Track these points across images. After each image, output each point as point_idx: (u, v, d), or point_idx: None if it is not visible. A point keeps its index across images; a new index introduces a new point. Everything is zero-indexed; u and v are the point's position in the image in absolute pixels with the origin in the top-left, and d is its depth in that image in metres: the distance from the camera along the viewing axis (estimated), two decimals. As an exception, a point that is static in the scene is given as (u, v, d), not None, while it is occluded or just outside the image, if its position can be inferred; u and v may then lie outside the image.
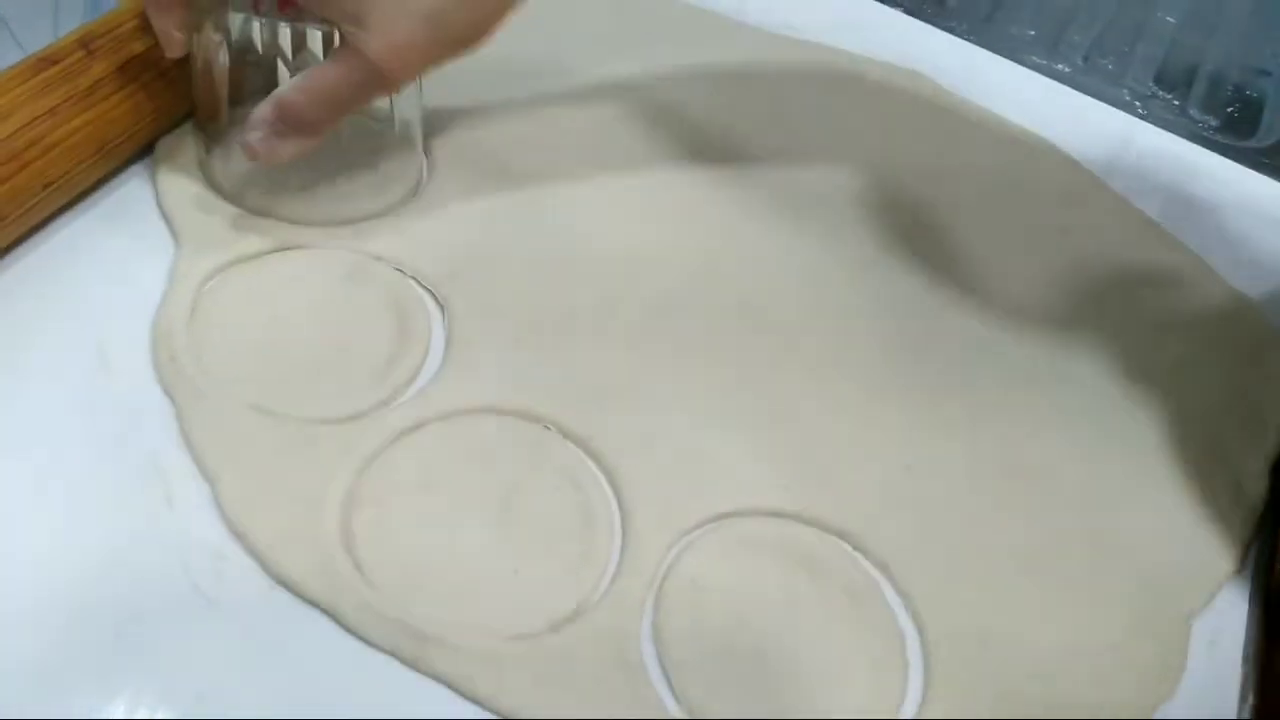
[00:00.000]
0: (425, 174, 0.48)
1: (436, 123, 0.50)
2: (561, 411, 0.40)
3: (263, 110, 0.40)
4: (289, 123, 0.41)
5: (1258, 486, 0.43)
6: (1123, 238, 0.53)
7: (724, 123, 0.54)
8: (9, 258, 0.41)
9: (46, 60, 0.42)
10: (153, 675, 0.32)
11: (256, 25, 0.43)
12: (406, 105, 0.46)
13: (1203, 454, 0.44)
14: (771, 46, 0.60)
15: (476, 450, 0.38)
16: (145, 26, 0.44)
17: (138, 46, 0.43)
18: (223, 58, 0.43)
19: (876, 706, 0.35)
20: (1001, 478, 0.42)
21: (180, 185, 0.44)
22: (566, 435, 0.39)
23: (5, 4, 0.49)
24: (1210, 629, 0.39)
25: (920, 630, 0.37)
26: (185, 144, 0.46)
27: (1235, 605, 0.40)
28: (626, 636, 0.34)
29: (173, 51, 0.42)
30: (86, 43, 0.43)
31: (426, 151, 0.49)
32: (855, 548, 0.38)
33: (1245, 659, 0.39)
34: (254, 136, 0.41)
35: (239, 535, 0.34)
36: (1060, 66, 0.64)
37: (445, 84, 0.52)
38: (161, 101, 0.45)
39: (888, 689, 0.35)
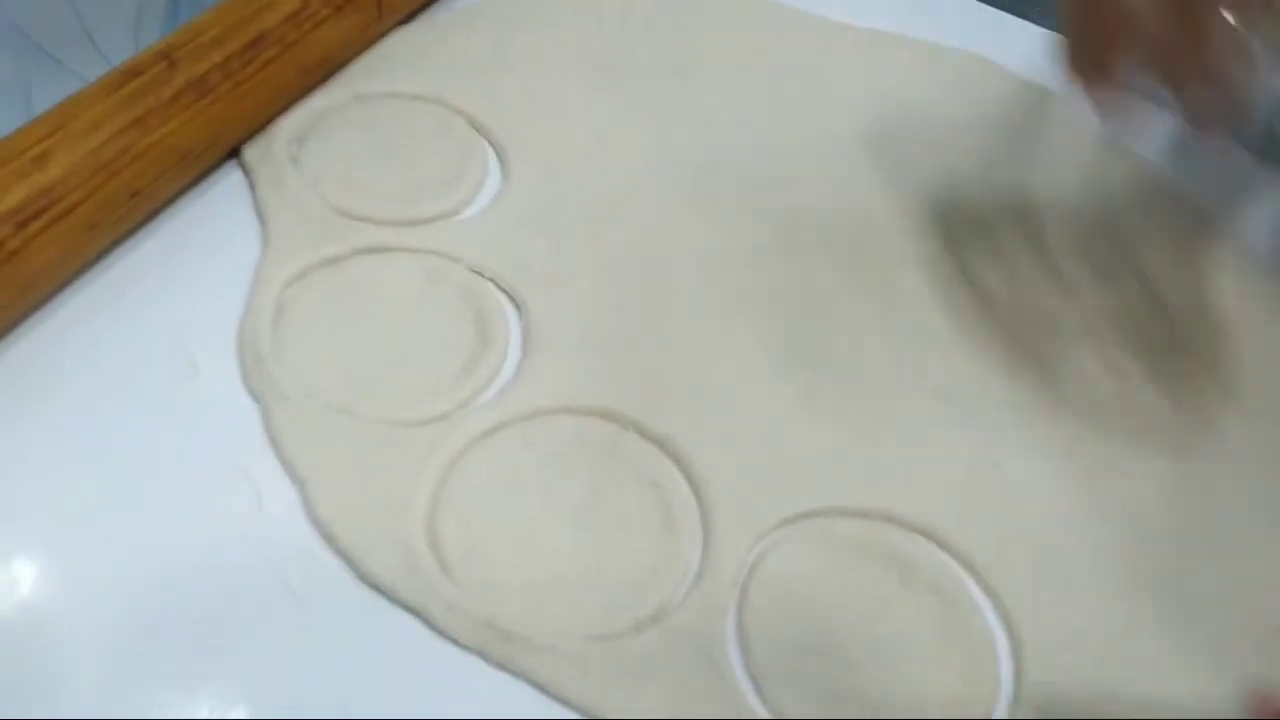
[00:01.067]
0: (503, 174, 0.48)
1: (510, 119, 0.50)
2: (640, 412, 0.39)
3: None
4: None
5: None
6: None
7: (807, 107, 0.54)
8: (98, 267, 0.42)
9: (130, 72, 0.42)
10: (242, 675, 0.32)
11: None
12: None
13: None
14: (840, 39, 0.59)
15: (556, 451, 0.38)
16: (223, 36, 0.45)
17: (217, 56, 0.44)
18: None
19: (966, 708, 0.34)
20: (1094, 477, 0.41)
21: (277, 188, 0.45)
22: (645, 435, 0.39)
23: (89, 18, 0.50)
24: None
25: (1010, 630, 0.36)
26: (273, 149, 0.47)
27: None
28: (711, 637, 0.34)
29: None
30: (168, 54, 0.43)
31: (501, 148, 0.49)
32: (942, 546, 0.38)
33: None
34: None
35: (327, 537, 0.35)
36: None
37: (520, 80, 0.52)
38: (242, 110, 0.45)
39: (978, 690, 0.35)
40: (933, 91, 0.56)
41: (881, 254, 0.48)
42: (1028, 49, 0.56)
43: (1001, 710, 0.35)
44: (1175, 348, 0.44)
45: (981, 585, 0.37)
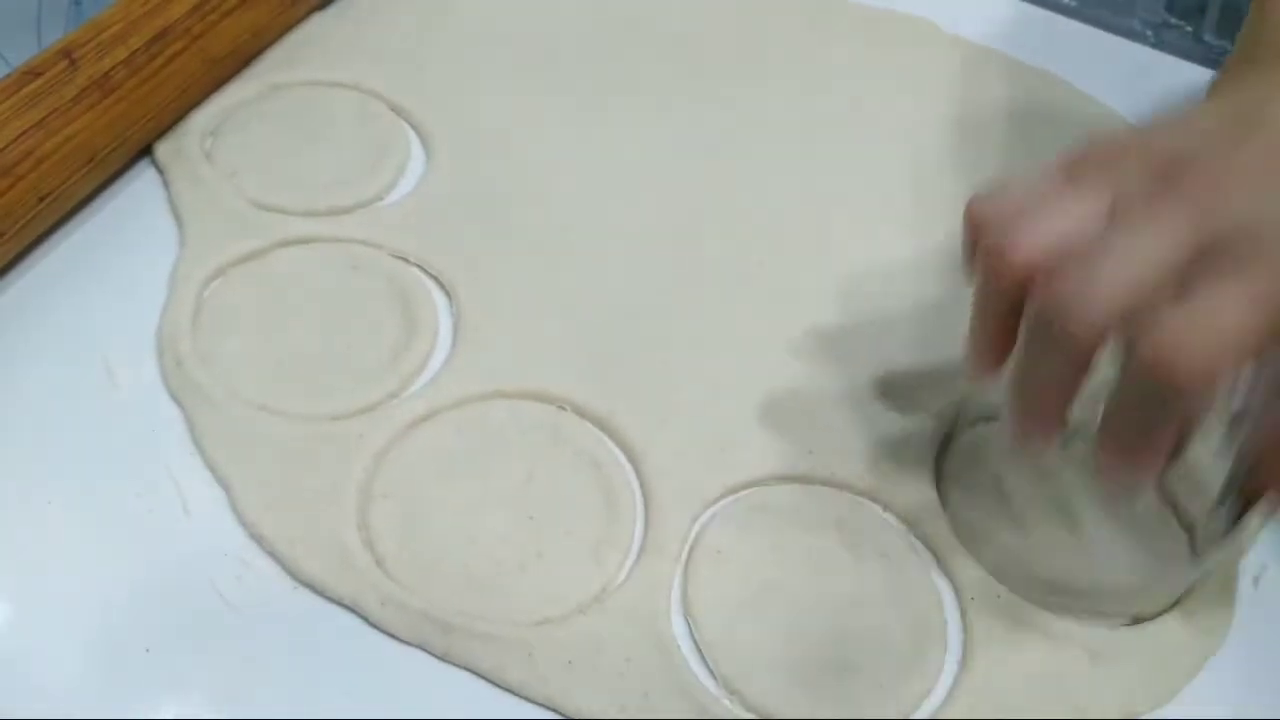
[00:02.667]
0: (428, 158, 0.47)
1: (433, 104, 0.49)
2: (575, 390, 0.39)
3: None
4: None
5: None
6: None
7: (733, 80, 0.53)
8: (9, 275, 0.40)
9: (30, 73, 0.41)
10: (182, 686, 0.31)
11: None
12: None
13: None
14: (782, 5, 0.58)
15: (491, 436, 0.37)
16: (126, 31, 0.43)
17: (121, 53, 0.43)
18: None
19: (919, 666, 0.34)
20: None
21: (191, 185, 0.44)
22: (582, 414, 0.39)
23: (-11, 20, 0.49)
24: (1254, 568, 0.38)
25: (954, 586, 0.36)
26: (186, 145, 0.45)
27: (1277, 542, 0.39)
28: (656, 614, 0.34)
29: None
30: (69, 52, 0.42)
31: (425, 134, 0.48)
32: (885, 507, 0.38)
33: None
34: None
35: (257, 538, 0.34)
36: (1067, 0, 0.62)
37: (441, 64, 0.51)
38: (150, 106, 0.44)
39: (927, 648, 0.34)
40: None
41: (816, 228, 0.47)
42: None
43: (954, 664, 0.34)
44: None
45: (924, 541, 0.37)
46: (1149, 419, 0.28)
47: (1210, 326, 0.27)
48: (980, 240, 0.31)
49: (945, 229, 0.47)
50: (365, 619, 0.33)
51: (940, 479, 0.38)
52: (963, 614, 0.35)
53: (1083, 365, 0.29)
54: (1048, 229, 0.29)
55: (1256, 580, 0.38)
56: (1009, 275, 0.30)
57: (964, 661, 0.34)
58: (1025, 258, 0.29)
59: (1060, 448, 0.32)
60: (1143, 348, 0.27)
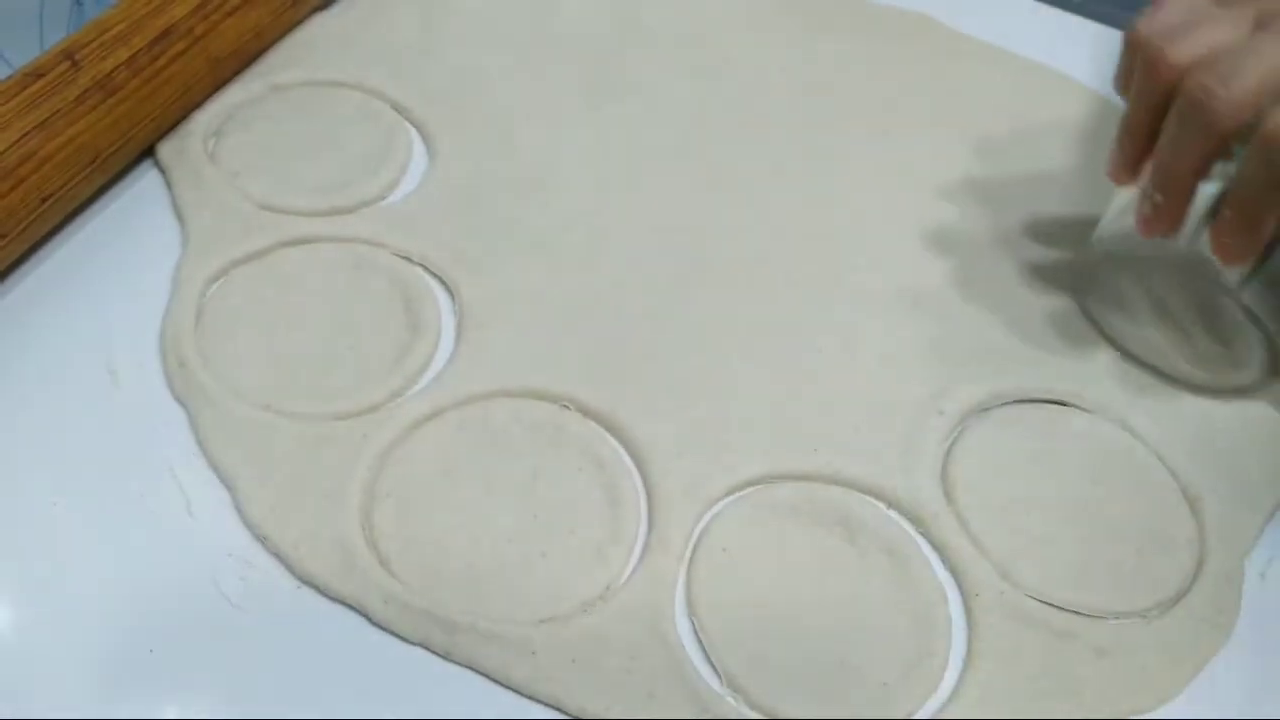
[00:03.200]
0: (430, 157, 0.47)
1: (436, 103, 0.49)
2: (579, 388, 0.39)
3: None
4: None
5: None
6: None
7: (734, 78, 0.53)
8: (13, 276, 0.40)
9: (32, 75, 0.41)
10: (186, 687, 0.31)
11: None
12: None
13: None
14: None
15: (495, 435, 0.37)
16: (129, 32, 0.43)
17: (123, 53, 0.43)
18: None
19: (922, 664, 0.34)
20: (1037, 421, 0.40)
21: (194, 186, 0.44)
22: (586, 412, 0.39)
23: (-9, 22, 0.49)
24: (1260, 562, 0.38)
25: (960, 583, 0.36)
26: (189, 146, 0.45)
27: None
28: (660, 612, 0.34)
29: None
30: (71, 54, 0.42)
31: (427, 133, 0.48)
32: (889, 504, 0.37)
33: (1301, 589, 0.38)
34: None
35: (261, 538, 0.34)
36: (1073, -5, 0.62)
37: (443, 63, 0.51)
38: (152, 107, 0.44)
39: (932, 645, 0.34)
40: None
41: (816, 224, 0.47)
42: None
43: (958, 663, 0.34)
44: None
45: (929, 540, 0.37)
46: (1266, 194, 0.35)
47: (1243, 69, 0.34)
48: (1139, 53, 0.37)
49: (946, 219, 0.47)
50: (369, 618, 0.33)
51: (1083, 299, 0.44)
52: (967, 611, 0.35)
53: (1216, 145, 0.35)
54: (1200, 38, 0.36)
55: (1263, 575, 0.38)
56: (1165, 75, 0.36)
57: (968, 659, 0.34)
58: (1180, 59, 0.36)
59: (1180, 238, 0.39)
60: (1268, 124, 0.34)
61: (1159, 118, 0.37)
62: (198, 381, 0.37)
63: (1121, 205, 0.42)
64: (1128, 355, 0.43)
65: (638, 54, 0.53)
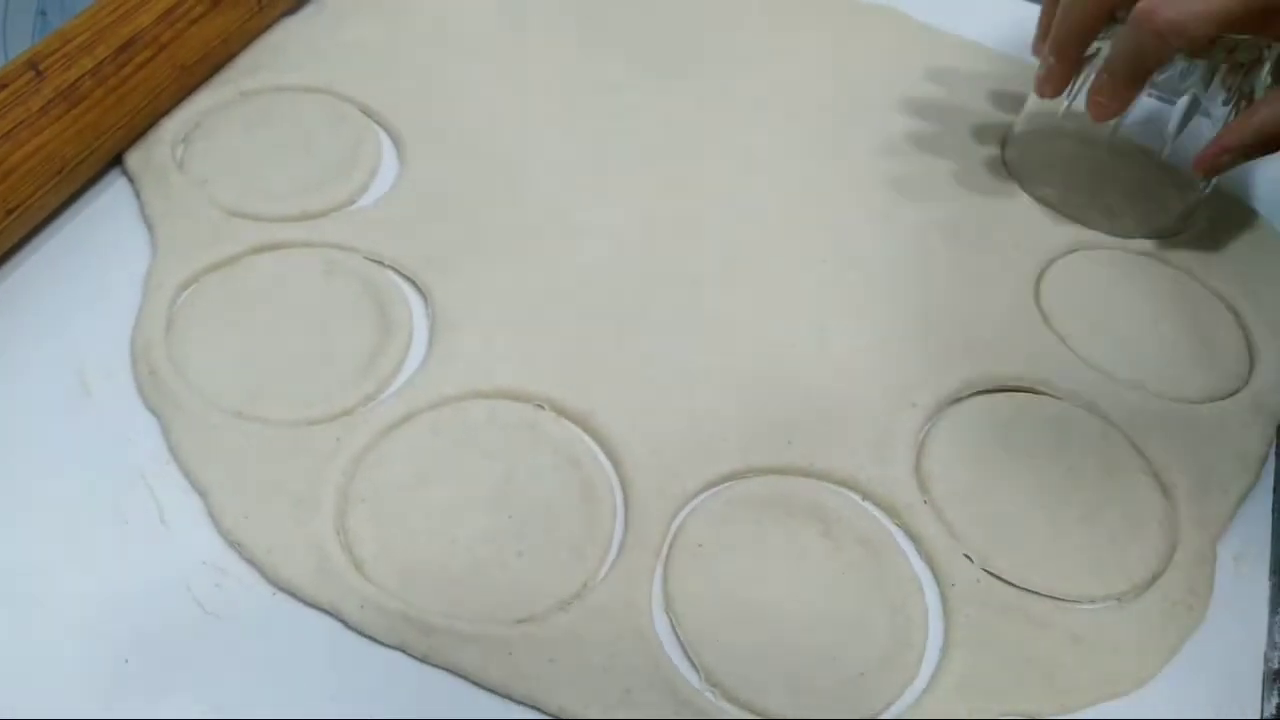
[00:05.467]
0: (400, 160, 0.47)
1: (404, 106, 0.49)
2: (553, 388, 0.39)
3: (1237, 136, 0.43)
4: (1268, 146, 0.43)
5: (1275, 398, 0.42)
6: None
7: (699, 73, 0.53)
8: (-20, 289, 0.40)
9: (-4, 85, 0.41)
10: (162, 696, 0.31)
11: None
12: None
13: (1215, 376, 0.43)
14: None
15: (469, 436, 0.37)
16: (93, 41, 0.43)
17: (87, 62, 0.43)
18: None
19: (900, 654, 0.34)
20: (1009, 410, 0.41)
21: (163, 194, 0.44)
22: (560, 412, 0.39)
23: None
24: (1236, 543, 0.38)
25: (935, 573, 0.36)
26: (156, 153, 0.45)
27: (1257, 518, 0.39)
28: (637, 608, 0.34)
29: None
30: (35, 63, 0.42)
31: (396, 135, 0.48)
32: (864, 496, 0.38)
33: (1273, 571, 0.38)
34: (1223, 160, 0.44)
35: (235, 545, 0.34)
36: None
37: (411, 66, 0.51)
38: (119, 115, 0.44)
39: (909, 635, 0.34)
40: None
41: (784, 220, 0.47)
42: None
43: (934, 654, 0.34)
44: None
45: (905, 530, 0.37)
46: (1131, 63, 0.42)
47: (1191, 4, 0.40)
48: None
49: (916, 214, 0.47)
50: (345, 623, 0.33)
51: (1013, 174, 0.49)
52: (943, 600, 0.35)
53: (1100, 13, 0.43)
54: None
55: (1236, 558, 0.38)
56: None
57: (945, 648, 0.34)
58: None
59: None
60: (1145, 9, 0.40)
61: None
62: (169, 389, 0.37)
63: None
64: (1058, 214, 0.48)
65: (605, 54, 0.54)
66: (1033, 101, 0.48)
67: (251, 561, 0.34)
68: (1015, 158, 0.50)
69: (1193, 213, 0.48)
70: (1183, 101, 0.45)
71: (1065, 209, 0.48)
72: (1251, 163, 0.46)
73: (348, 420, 0.37)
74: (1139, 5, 0.41)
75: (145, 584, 0.33)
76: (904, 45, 0.56)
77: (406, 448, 0.37)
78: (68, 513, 0.35)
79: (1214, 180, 0.47)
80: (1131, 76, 0.42)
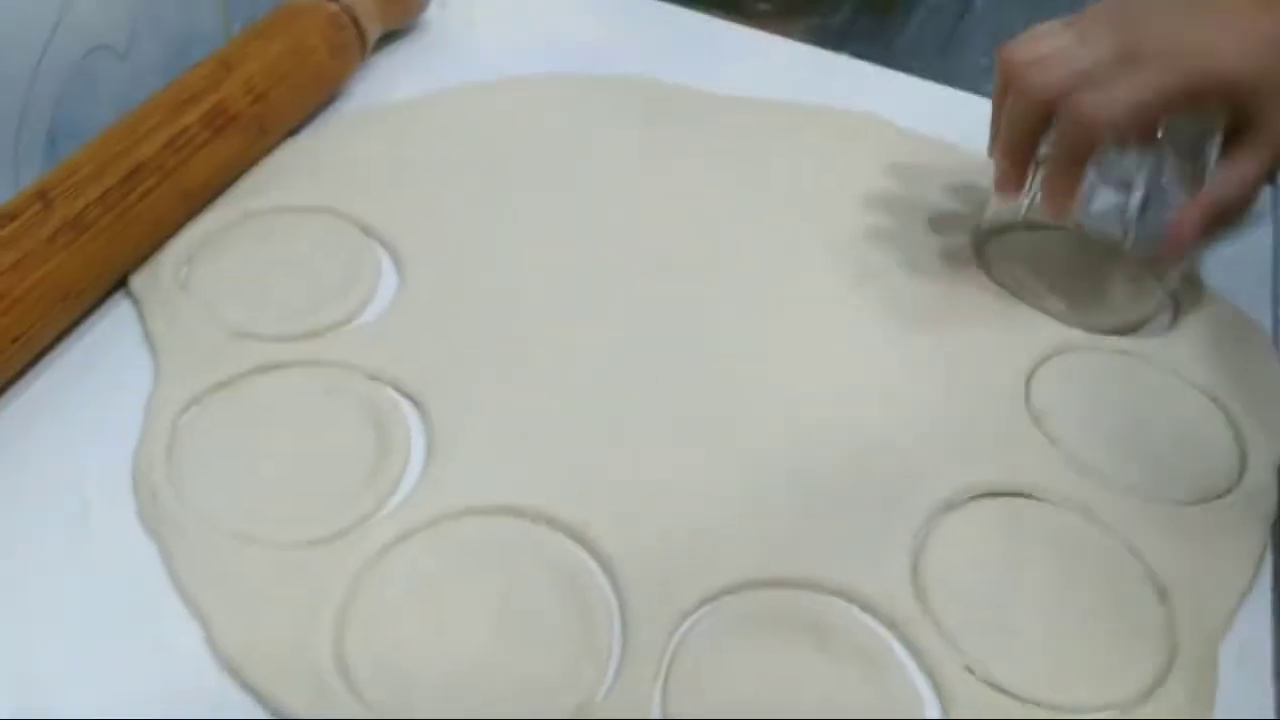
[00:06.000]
0: (400, 278, 0.48)
1: (403, 224, 0.50)
2: (549, 503, 0.39)
3: (1195, 212, 0.45)
4: (1223, 220, 0.45)
5: (1268, 497, 0.42)
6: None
7: (692, 186, 0.54)
8: (-16, 416, 0.41)
9: (6, 216, 0.42)
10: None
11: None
12: None
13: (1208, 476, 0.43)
14: (734, 109, 0.60)
15: (465, 555, 0.38)
16: (100, 170, 0.44)
17: (94, 191, 0.44)
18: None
19: (901, 771, 0.34)
20: (1002, 515, 0.41)
21: (166, 315, 0.45)
22: (555, 526, 0.39)
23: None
24: (1237, 645, 0.38)
25: (936, 685, 0.36)
26: (160, 276, 0.46)
27: (1258, 619, 0.39)
28: (637, 731, 0.34)
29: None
30: (44, 194, 0.43)
31: (396, 253, 0.49)
32: (863, 608, 0.38)
33: (1277, 674, 0.38)
34: (1186, 236, 0.45)
35: (233, 672, 0.34)
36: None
37: (413, 184, 0.53)
38: (125, 242, 0.45)
39: (910, 751, 0.34)
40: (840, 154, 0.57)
41: (777, 328, 0.48)
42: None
43: (936, 766, 0.34)
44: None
45: (903, 642, 0.37)
46: (1068, 152, 0.45)
47: (1112, 96, 0.43)
48: (1013, 82, 0.46)
49: (903, 319, 0.48)
50: (344, 751, 0.33)
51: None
52: (944, 712, 0.35)
53: (1042, 117, 0.45)
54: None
55: (1239, 661, 0.38)
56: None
57: (947, 762, 0.34)
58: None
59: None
60: (1071, 106, 0.43)
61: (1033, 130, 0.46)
62: (169, 512, 0.38)
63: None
64: (1042, 313, 0.49)
65: (602, 168, 0.55)
66: (996, 198, 0.50)
67: (251, 690, 0.34)
68: (985, 252, 0.52)
69: (1159, 306, 0.50)
70: (1137, 191, 0.47)
71: (1031, 300, 0.50)
72: (1229, 253, 0.48)
73: (346, 541, 0.37)
74: (1069, 98, 0.43)
75: (145, 711, 0.33)
76: (884, 148, 0.57)
77: (403, 568, 0.37)
78: (68, 638, 0.35)
79: (1177, 272, 0.49)
80: (1070, 166, 0.45)
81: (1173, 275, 0.50)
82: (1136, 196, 0.47)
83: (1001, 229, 0.52)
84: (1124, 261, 0.50)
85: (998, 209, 0.51)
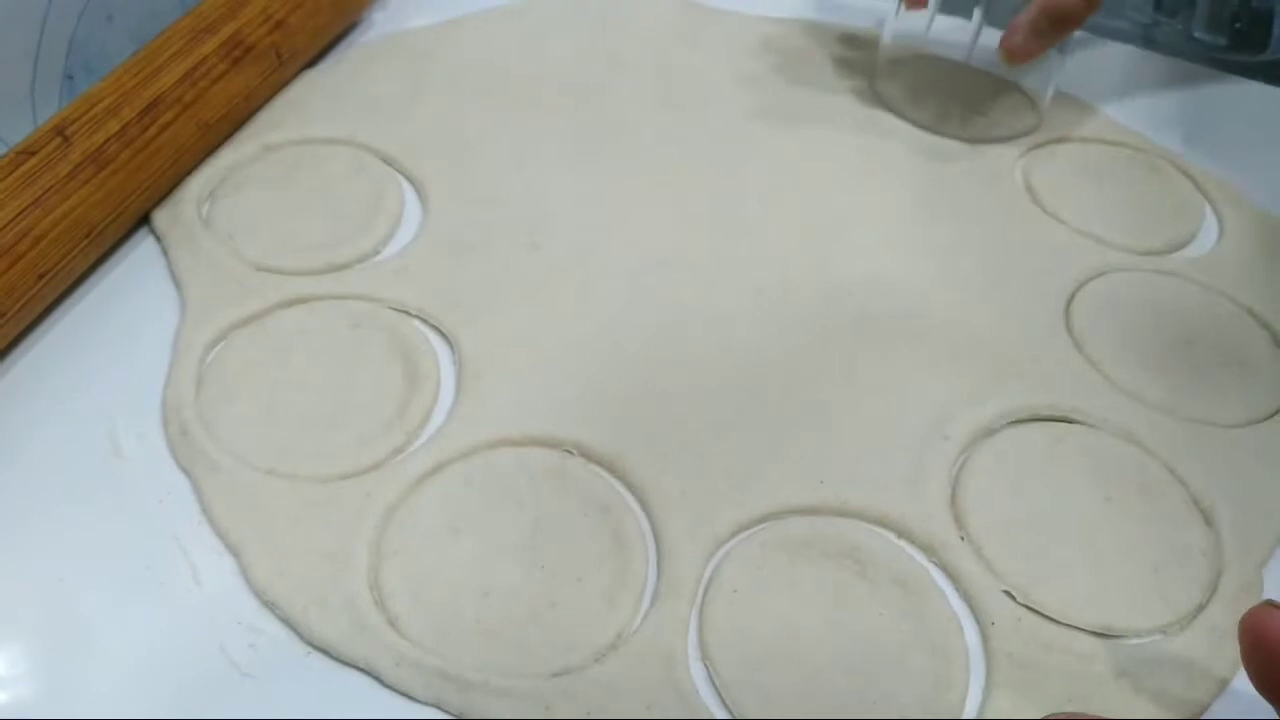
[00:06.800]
0: (423, 209, 0.47)
1: (425, 154, 0.49)
2: (581, 433, 0.39)
3: (1025, 16, 0.49)
4: (1052, 21, 0.49)
5: None
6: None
7: (720, 112, 0.53)
8: (12, 354, 0.41)
9: (25, 152, 0.42)
10: (200, 757, 0.31)
11: None
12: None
13: (1253, 397, 0.42)
14: (768, 30, 0.58)
15: (499, 486, 0.37)
16: (118, 104, 0.44)
17: (113, 126, 0.43)
18: None
19: (941, 697, 0.33)
20: (1043, 440, 0.40)
21: (190, 251, 0.44)
22: (589, 457, 0.38)
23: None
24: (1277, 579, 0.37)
25: (975, 611, 0.35)
26: (183, 211, 0.46)
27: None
28: (673, 657, 0.33)
29: None
30: (62, 129, 0.42)
31: (419, 184, 0.48)
32: (900, 534, 0.37)
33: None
34: (1015, 40, 0.49)
35: (269, 604, 0.34)
36: (1054, 5, 0.62)
37: (430, 114, 0.52)
38: (145, 176, 0.44)
39: (950, 676, 0.34)
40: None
41: (809, 254, 0.47)
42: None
43: (977, 693, 0.34)
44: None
45: (943, 569, 0.36)
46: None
47: None
48: None
49: (939, 243, 0.47)
50: (380, 680, 0.33)
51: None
52: (984, 639, 0.35)
53: None
54: None
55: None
56: None
57: (987, 689, 0.34)
58: None
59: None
60: None
61: None
62: (200, 448, 0.37)
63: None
64: (918, 126, 0.53)
65: (623, 93, 0.54)
66: (887, 34, 0.54)
67: (286, 621, 0.34)
68: (877, 79, 0.55)
69: (1033, 122, 0.53)
70: (977, 11, 0.51)
71: (914, 118, 0.53)
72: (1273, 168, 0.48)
73: (378, 474, 0.37)
74: None
75: (180, 645, 0.33)
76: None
77: (437, 500, 0.37)
78: (101, 574, 0.35)
79: (1046, 85, 0.52)
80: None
81: (1042, 87, 0.52)
82: (976, 16, 0.51)
83: (894, 59, 0.55)
84: (1000, 80, 0.53)
85: (893, 32, 0.54)
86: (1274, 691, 0.30)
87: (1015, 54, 0.49)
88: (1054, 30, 0.49)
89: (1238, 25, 0.62)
